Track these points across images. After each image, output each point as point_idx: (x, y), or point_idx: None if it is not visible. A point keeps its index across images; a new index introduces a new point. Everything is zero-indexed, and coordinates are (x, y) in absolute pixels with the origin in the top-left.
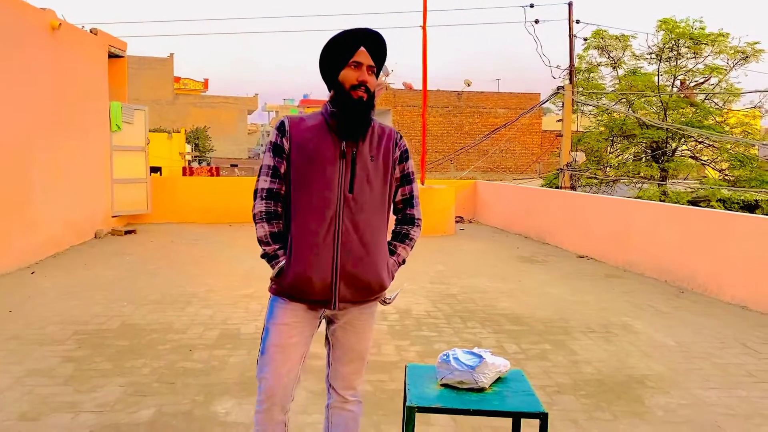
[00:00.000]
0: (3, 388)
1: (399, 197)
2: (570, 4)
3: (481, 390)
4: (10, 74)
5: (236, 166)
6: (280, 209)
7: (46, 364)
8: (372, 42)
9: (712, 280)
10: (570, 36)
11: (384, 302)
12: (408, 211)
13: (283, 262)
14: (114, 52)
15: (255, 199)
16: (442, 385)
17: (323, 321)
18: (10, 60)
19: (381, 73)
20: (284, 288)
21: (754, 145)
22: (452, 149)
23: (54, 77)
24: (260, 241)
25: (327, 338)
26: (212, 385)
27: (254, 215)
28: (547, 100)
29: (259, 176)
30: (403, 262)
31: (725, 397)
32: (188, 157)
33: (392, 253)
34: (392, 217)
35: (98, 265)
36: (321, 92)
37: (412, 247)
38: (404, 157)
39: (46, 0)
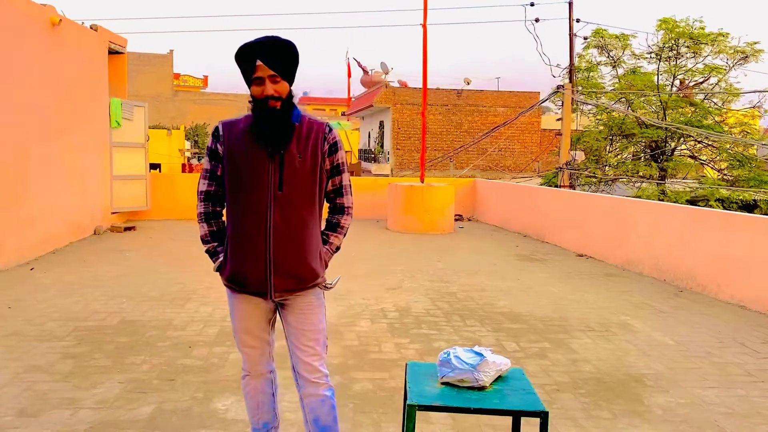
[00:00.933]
0: (2, 384)
1: (330, 187)
2: (570, 3)
3: (481, 388)
4: (9, 70)
5: None
6: (219, 208)
7: (46, 361)
8: (266, 52)
9: (711, 279)
10: (570, 35)
11: (326, 287)
12: (338, 201)
13: (221, 258)
14: (114, 49)
15: (197, 201)
16: (442, 383)
17: (276, 306)
18: (10, 55)
19: (380, 70)
20: (226, 281)
21: (752, 145)
22: (452, 147)
23: (54, 73)
24: (202, 240)
25: (284, 328)
26: (212, 382)
27: (197, 216)
28: (546, 99)
29: (199, 179)
30: (337, 249)
31: (724, 396)
32: (188, 154)
33: (325, 242)
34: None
35: (98, 262)
36: (321, 90)
37: (344, 235)
38: (333, 149)
39: None
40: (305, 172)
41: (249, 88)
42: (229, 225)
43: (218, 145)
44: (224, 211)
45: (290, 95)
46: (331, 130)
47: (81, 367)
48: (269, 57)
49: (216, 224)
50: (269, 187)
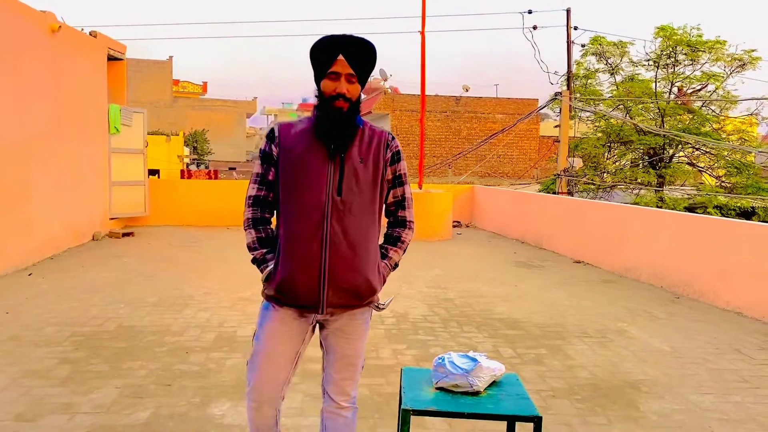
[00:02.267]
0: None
1: (391, 199)
2: (568, 11)
3: (476, 393)
4: (9, 76)
5: (234, 169)
6: (268, 215)
7: (43, 366)
8: (351, 49)
9: (708, 286)
10: (568, 42)
11: (378, 308)
12: (400, 214)
13: (271, 266)
14: (113, 55)
15: (245, 207)
16: (437, 388)
17: (317, 325)
18: (10, 61)
19: (380, 77)
20: (273, 292)
21: (750, 152)
22: (450, 154)
23: (53, 79)
24: (249, 248)
25: (321, 343)
26: (209, 388)
27: (243, 223)
28: (544, 106)
29: (249, 184)
30: (396, 266)
31: (720, 402)
32: (186, 160)
33: (384, 256)
34: (384, 220)
35: (96, 267)
36: None
37: (404, 251)
38: (396, 158)
39: (47, 2)
40: (366, 179)
41: (318, 82)
42: (280, 230)
43: (272, 147)
44: (273, 219)
45: (358, 100)
46: (393, 138)
47: (78, 372)
48: (353, 54)
49: (264, 230)
50: (327, 190)
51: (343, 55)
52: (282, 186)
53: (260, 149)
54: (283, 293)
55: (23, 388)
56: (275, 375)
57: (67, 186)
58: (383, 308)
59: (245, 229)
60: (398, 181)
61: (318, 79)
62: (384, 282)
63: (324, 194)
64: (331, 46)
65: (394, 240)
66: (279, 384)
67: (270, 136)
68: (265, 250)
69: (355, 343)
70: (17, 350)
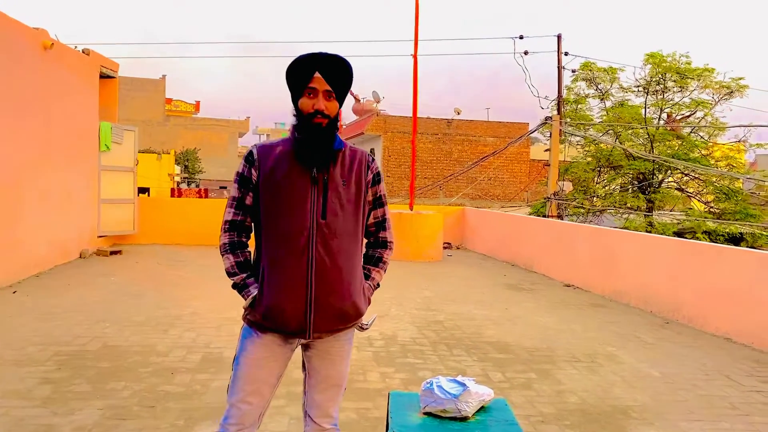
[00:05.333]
0: None
1: (371, 220)
2: (559, 37)
3: (464, 419)
4: (0, 92)
5: (225, 188)
6: (244, 239)
7: (23, 386)
8: (327, 66)
9: (697, 311)
10: (558, 67)
11: (361, 328)
12: (380, 234)
13: (255, 292)
14: (106, 73)
15: (221, 232)
16: (424, 413)
17: (299, 346)
18: (2, 78)
19: (372, 99)
20: (257, 318)
21: (738, 179)
22: (441, 176)
23: (45, 96)
24: (228, 273)
25: (304, 365)
26: (193, 410)
27: (219, 248)
28: (535, 130)
29: (225, 208)
30: (377, 285)
31: (709, 429)
32: (177, 179)
33: (367, 277)
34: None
35: (82, 286)
36: None
37: (385, 270)
38: (376, 180)
39: (40, 20)
40: (349, 201)
41: (296, 102)
42: (264, 256)
43: (252, 170)
44: (249, 243)
45: (336, 118)
46: (373, 159)
47: (60, 392)
48: (329, 72)
49: (242, 254)
50: (311, 213)
51: (319, 72)
52: (264, 210)
53: (237, 172)
54: (268, 319)
55: (2, 409)
56: (259, 399)
57: (55, 203)
58: (367, 328)
59: (222, 254)
60: (378, 202)
61: (295, 99)
62: (369, 303)
63: (308, 218)
64: (308, 63)
65: (375, 261)
66: (262, 407)
67: (249, 159)
68: (245, 275)
69: (339, 365)
70: None
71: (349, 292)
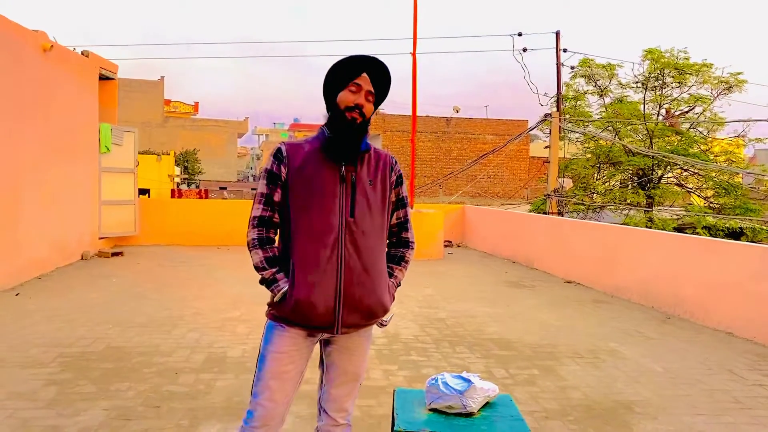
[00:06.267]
0: None
1: (394, 220)
2: (557, 33)
3: (469, 415)
4: (0, 94)
5: (225, 188)
6: (273, 235)
7: (29, 387)
8: (375, 69)
9: (699, 306)
10: (557, 64)
11: (381, 325)
12: (403, 235)
13: (285, 287)
14: (105, 74)
15: (248, 227)
16: (430, 409)
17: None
18: (1, 80)
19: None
20: (285, 314)
21: (738, 173)
22: (441, 174)
23: (44, 98)
24: (257, 268)
25: (321, 360)
26: (198, 409)
27: (248, 243)
28: (534, 127)
29: (253, 204)
30: (399, 284)
31: (713, 423)
32: (177, 180)
33: (390, 275)
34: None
35: (84, 287)
36: (311, 117)
37: (407, 269)
38: (399, 181)
39: (39, 22)
40: (376, 200)
41: (336, 95)
42: (293, 252)
43: (281, 167)
44: (277, 238)
45: (369, 120)
46: (396, 161)
47: (65, 394)
48: (376, 75)
49: (271, 250)
50: (341, 211)
51: (367, 73)
52: (293, 207)
53: (266, 169)
54: (297, 314)
55: (8, 411)
56: (285, 396)
57: (56, 205)
58: (386, 325)
59: (251, 249)
60: (401, 203)
61: (336, 92)
62: (393, 299)
63: (338, 216)
64: (358, 62)
65: (398, 259)
66: (287, 404)
67: (278, 156)
68: (274, 270)
69: (358, 359)
70: (2, 372)
71: (377, 290)
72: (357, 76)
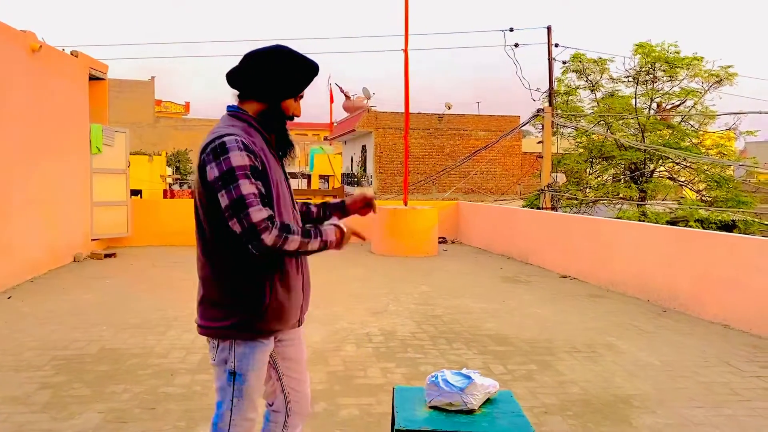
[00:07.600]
0: None
1: None
2: (549, 28)
3: (470, 412)
4: None
5: None
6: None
7: (22, 391)
8: (315, 77)
9: (694, 299)
10: (549, 59)
11: None
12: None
13: (337, 221)
14: (95, 75)
15: (261, 233)
16: (430, 407)
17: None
18: None
19: (363, 96)
20: (267, 324)
21: (729, 166)
22: (434, 171)
23: (33, 99)
24: (301, 245)
25: (274, 365)
26: (194, 411)
27: (274, 242)
28: (526, 123)
29: (248, 210)
30: None
31: (711, 416)
32: (169, 180)
33: None
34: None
35: (77, 290)
36: (304, 116)
37: None
38: None
39: (27, 22)
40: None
41: (283, 92)
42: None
43: (257, 162)
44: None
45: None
46: None
47: (59, 397)
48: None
49: (295, 226)
50: (294, 207)
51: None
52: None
53: (247, 165)
54: (281, 320)
55: (2, 415)
56: (255, 415)
57: (47, 207)
58: None
59: (283, 242)
60: None
61: (286, 97)
62: None
63: (295, 212)
64: (313, 73)
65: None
66: (255, 423)
67: (248, 149)
68: (314, 229)
69: (303, 343)
70: None
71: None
72: (306, 86)
